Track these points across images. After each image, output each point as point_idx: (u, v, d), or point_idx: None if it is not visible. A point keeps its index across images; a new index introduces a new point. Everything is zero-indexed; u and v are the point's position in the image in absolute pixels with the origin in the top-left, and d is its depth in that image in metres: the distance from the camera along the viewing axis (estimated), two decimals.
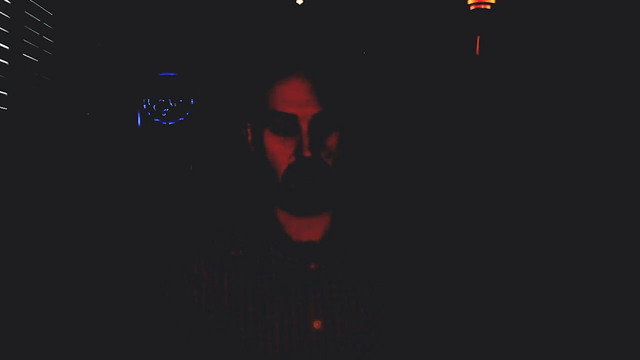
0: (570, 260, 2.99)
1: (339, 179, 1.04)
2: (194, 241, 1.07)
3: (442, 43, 3.46)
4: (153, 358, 1.08)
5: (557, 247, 3.04)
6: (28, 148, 2.18)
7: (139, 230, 2.80)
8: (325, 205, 1.05)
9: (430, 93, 3.45)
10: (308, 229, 1.06)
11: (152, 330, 1.08)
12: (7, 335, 1.85)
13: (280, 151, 0.99)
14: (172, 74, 3.34)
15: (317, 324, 1.00)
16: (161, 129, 3.33)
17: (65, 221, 2.37)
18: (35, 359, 1.99)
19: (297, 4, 3.22)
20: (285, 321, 1.00)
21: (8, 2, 2.07)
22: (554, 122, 3.29)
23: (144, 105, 3.31)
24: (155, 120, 3.33)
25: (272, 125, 1.00)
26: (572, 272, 2.96)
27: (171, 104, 3.33)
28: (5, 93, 2.05)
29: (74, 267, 2.34)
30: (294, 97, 0.98)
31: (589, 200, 3.10)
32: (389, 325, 1.03)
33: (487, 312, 1.12)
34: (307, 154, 0.97)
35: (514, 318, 2.65)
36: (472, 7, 3.20)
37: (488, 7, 3.18)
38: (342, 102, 1.01)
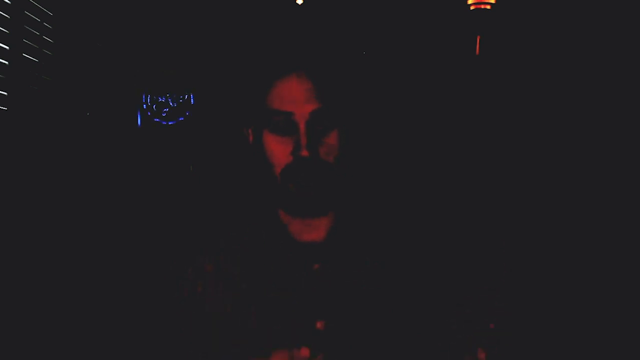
0: (569, 259, 2.99)
1: (340, 177, 1.02)
2: (197, 240, 1.07)
3: (442, 43, 3.46)
4: (157, 355, 1.08)
5: (557, 247, 3.04)
6: (28, 148, 2.18)
7: (143, 230, 2.80)
8: (326, 206, 1.04)
9: (430, 93, 3.45)
10: (311, 229, 1.05)
11: (156, 328, 1.08)
12: (9, 332, 1.85)
13: (278, 150, 0.98)
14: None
15: (320, 324, 1.00)
16: (161, 129, 3.33)
17: (66, 221, 2.36)
18: (35, 357, 1.99)
19: (297, 3, 3.22)
20: (288, 321, 1.00)
21: (8, 2, 2.06)
22: (553, 122, 3.29)
23: (144, 105, 3.31)
24: (155, 120, 3.33)
25: (271, 124, 0.98)
26: (572, 270, 2.95)
27: (171, 104, 3.32)
28: (5, 93, 2.05)
29: (75, 267, 2.33)
30: (292, 96, 0.96)
31: (588, 200, 3.10)
32: (392, 325, 1.02)
33: (490, 310, 1.11)
34: (305, 153, 0.95)
35: (515, 318, 2.65)
36: (472, 7, 3.20)
37: (488, 7, 3.18)
38: (341, 99, 1.00)
